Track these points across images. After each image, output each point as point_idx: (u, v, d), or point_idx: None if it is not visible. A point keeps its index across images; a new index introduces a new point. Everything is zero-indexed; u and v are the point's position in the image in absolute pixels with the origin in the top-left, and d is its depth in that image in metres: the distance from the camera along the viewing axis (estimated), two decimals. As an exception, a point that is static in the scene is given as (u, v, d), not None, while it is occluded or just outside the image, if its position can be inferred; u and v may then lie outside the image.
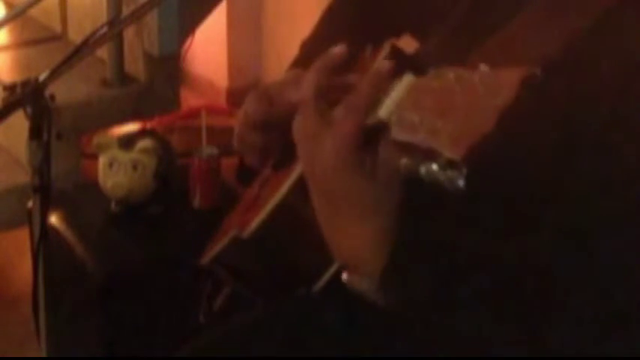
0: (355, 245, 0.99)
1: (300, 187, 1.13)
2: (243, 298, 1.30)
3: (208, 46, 3.36)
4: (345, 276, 1.02)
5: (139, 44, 2.75)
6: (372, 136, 0.96)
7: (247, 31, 3.41)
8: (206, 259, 1.29)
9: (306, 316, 1.19)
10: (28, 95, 1.36)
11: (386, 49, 1.18)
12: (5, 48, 3.00)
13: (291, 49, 1.49)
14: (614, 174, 0.94)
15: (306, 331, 1.18)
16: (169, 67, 2.80)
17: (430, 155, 0.88)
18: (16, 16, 2.74)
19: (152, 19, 2.66)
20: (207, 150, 2.06)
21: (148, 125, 2.82)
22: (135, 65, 2.76)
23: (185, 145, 2.39)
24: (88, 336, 2.00)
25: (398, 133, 0.90)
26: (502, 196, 0.98)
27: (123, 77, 2.73)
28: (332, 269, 1.14)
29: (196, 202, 2.06)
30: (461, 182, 0.87)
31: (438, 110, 0.88)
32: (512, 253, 0.97)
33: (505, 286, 0.97)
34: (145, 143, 2.02)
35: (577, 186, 0.95)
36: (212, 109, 3.01)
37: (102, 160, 2.03)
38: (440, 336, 1.07)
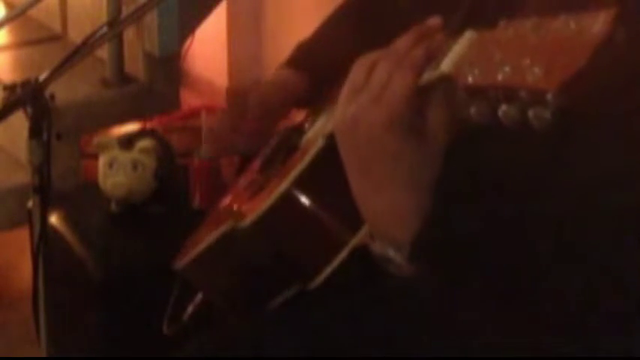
0: (386, 212, 0.98)
1: (306, 179, 1.13)
2: (213, 308, 1.30)
3: (208, 46, 3.36)
4: (372, 243, 1.00)
5: (139, 44, 2.74)
6: (429, 95, 0.92)
7: (247, 31, 3.40)
8: (184, 261, 1.29)
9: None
10: (28, 95, 1.36)
11: None
12: (5, 48, 3.00)
13: (290, 49, 1.50)
14: None
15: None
16: (169, 67, 2.79)
17: (509, 95, 0.81)
18: (16, 16, 2.74)
19: (152, 19, 2.66)
20: (208, 150, 2.07)
21: (148, 125, 2.82)
22: (135, 65, 2.76)
23: (185, 145, 2.39)
24: (88, 336, 2.00)
25: (468, 80, 0.84)
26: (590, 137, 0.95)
27: (123, 77, 2.72)
28: (330, 267, 1.14)
29: (196, 202, 2.06)
30: (548, 116, 0.79)
31: (521, 51, 0.82)
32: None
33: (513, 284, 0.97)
34: (145, 143, 2.02)
35: None
36: (212, 109, 3.02)
37: (102, 160, 2.03)
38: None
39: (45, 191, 1.43)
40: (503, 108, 0.82)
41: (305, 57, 1.45)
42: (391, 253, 0.98)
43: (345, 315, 1.21)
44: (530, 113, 0.81)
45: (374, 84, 0.95)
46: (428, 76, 0.91)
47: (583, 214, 0.96)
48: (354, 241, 1.12)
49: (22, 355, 2.23)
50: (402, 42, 0.98)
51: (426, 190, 0.96)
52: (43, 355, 1.58)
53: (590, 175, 0.95)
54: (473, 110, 0.84)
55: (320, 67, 1.40)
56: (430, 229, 0.96)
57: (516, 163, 1.00)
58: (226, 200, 1.39)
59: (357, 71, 0.99)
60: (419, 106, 0.94)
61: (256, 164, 1.38)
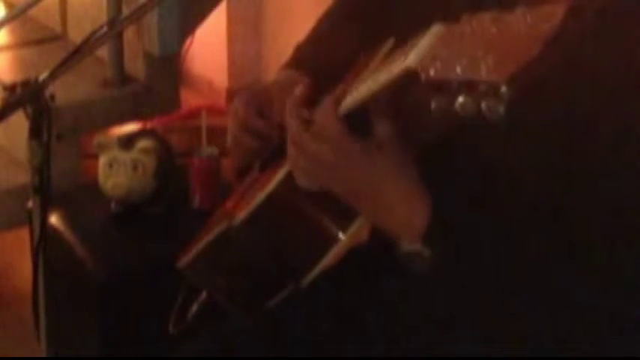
0: (394, 214, 1.04)
1: (293, 179, 1.14)
2: (217, 307, 1.31)
3: (208, 46, 3.36)
4: (400, 248, 1.05)
5: (139, 44, 2.74)
6: (399, 90, 0.96)
7: (247, 31, 3.40)
8: (186, 260, 1.29)
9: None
10: (28, 95, 1.36)
11: (388, 44, 1.18)
12: (5, 48, 2.99)
13: (290, 49, 1.49)
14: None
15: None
16: (169, 67, 2.79)
17: (467, 88, 0.85)
18: (16, 16, 2.74)
19: (152, 19, 2.66)
20: (207, 150, 2.07)
21: (148, 125, 2.82)
22: (135, 65, 2.75)
23: (185, 145, 2.40)
24: (87, 335, 2.00)
25: (430, 73, 0.87)
26: (545, 125, 0.99)
27: (123, 77, 2.72)
28: (321, 264, 1.15)
29: (196, 202, 2.06)
30: (501, 109, 0.84)
31: (478, 43, 0.85)
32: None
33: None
34: (145, 143, 2.02)
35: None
36: (212, 109, 3.02)
37: (102, 160, 2.03)
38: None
39: (45, 191, 1.43)
40: (460, 100, 0.85)
41: (304, 58, 1.45)
42: (417, 246, 1.03)
43: (344, 314, 1.21)
44: (483, 105, 0.84)
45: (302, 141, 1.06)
46: (395, 69, 0.93)
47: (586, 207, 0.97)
48: (345, 239, 1.14)
49: (22, 355, 2.23)
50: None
51: (415, 184, 1.04)
52: (43, 355, 1.58)
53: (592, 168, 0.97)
54: (433, 104, 0.87)
55: (319, 66, 1.40)
56: (441, 212, 1.01)
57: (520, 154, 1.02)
58: (230, 200, 1.39)
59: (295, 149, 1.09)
60: (356, 126, 1.02)
61: (258, 164, 1.39)
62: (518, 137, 0.99)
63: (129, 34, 2.68)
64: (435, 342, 1.12)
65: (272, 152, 1.34)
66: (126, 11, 1.41)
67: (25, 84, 1.36)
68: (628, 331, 1.01)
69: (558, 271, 0.98)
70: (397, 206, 1.03)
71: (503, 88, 0.82)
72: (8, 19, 2.81)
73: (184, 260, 1.29)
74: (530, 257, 0.99)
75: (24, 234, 1.99)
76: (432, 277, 1.03)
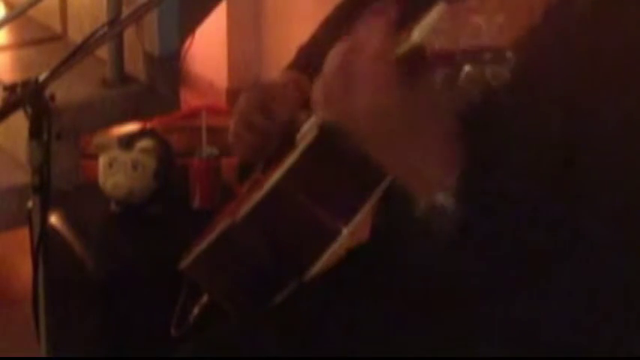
0: (425, 162, 0.98)
1: (294, 173, 1.14)
2: (218, 309, 1.31)
3: (208, 46, 3.36)
4: (422, 202, 1.00)
5: (139, 44, 2.74)
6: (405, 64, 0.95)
7: (247, 31, 3.40)
8: (188, 261, 1.29)
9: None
10: (28, 95, 1.36)
11: None
12: (5, 48, 3.00)
13: (290, 49, 1.50)
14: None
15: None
16: (169, 67, 2.80)
17: (472, 57, 0.86)
18: (16, 16, 2.74)
19: (152, 19, 2.66)
20: (207, 150, 2.07)
21: (148, 125, 2.82)
22: (135, 65, 2.76)
23: (185, 145, 2.39)
24: (87, 336, 2.00)
25: (435, 47, 0.88)
26: (548, 89, 0.97)
27: (123, 77, 2.73)
28: (324, 257, 1.15)
29: (196, 202, 2.06)
30: (507, 74, 0.84)
31: (480, 14, 0.86)
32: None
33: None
34: (145, 143, 2.02)
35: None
36: (212, 109, 3.01)
37: (102, 160, 2.03)
38: None
39: (45, 191, 1.43)
40: (465, 70, 0.86)
41: (306, 59, 1.46)
42: (440, 197, 0.97)
43: (343, 313, 1.21)
44: (488, 72, 0.85)
45: (357, 73, 0.97)
46: (402, 48, 0.94)
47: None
48: (346, 233, 1.14)
49: (22, 355, 2.23)
50: (362, 31, 1.00)
51: (453, 134, 0.97)
52: (43, 355, 1.58)
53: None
54: (438, 77, 0.88)
55: (320, 67, 1.41)
56: (470, 168, 0.97)
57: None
58: (232, 203, 1.39)
59: (333, 71, 1.01)
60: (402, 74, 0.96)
61: (260, 165, 1.39)
62: (526, 105, 0.97)
63: (129, 34, 2.68)
64: (439, 342, 1.12)
65: (274, 153, 1.34)
66: (126, 11, 1.41)
67: (25, 84, 1.36)
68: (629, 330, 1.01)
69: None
70: (432, 150, 0.97)
71: (509, 54, 0.83)
72: (8, 19, 2.81)
73: (186, 262, 1.29)
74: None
75: (24, 234, 1.98)
76: (454, 241, 0.99)
